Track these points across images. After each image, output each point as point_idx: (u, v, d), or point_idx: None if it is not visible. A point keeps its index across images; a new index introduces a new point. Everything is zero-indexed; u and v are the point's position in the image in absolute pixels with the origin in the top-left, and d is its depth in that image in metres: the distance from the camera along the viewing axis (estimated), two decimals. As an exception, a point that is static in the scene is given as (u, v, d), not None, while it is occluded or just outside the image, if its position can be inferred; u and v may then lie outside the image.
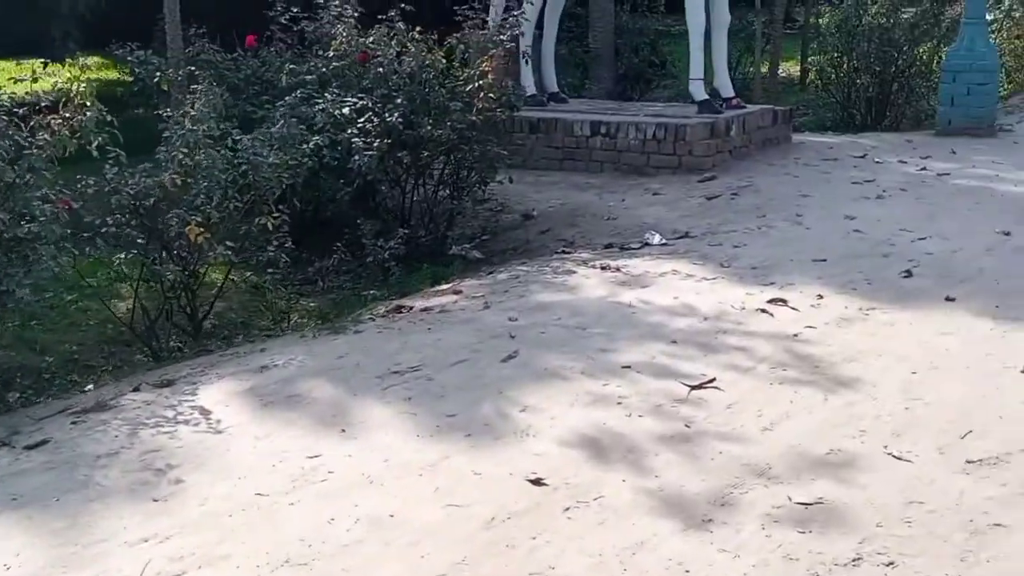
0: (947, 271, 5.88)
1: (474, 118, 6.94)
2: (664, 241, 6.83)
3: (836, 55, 12.37)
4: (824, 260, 6.14)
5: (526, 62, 9.85)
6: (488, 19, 10.10)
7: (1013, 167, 8.81)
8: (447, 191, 7.47)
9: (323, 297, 6.88)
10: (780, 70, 17.80)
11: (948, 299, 5.37)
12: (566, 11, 17.06)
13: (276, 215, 5.66)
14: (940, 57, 11.76)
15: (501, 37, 8.55)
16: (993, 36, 16.51)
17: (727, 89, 9.51)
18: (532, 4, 9.81)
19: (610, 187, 8.64)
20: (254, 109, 7.39)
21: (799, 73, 16.14)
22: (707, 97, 9.28)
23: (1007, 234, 6.63)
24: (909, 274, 5.81)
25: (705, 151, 8.75)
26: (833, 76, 12.60)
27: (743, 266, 6.09)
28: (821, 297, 5.42)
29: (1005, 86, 16.29)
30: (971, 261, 6.06)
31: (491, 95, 7.10)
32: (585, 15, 15.08)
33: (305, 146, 6.10)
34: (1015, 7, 16.78)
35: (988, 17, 15.14)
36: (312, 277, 7.15)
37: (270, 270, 6.57)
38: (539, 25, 10.15)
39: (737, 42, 13.11)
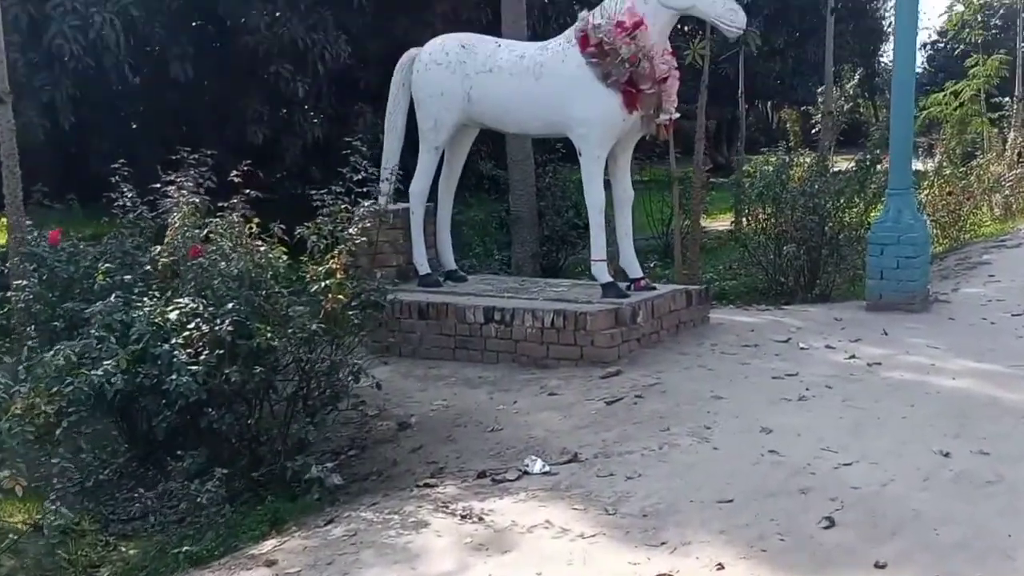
0: (875, 516, 4.78)
1: (315, 327, 5.83)
2: (547, 469, 5.70)
3: (761, 223, 11.54)
4: (731, 501, 5.03)
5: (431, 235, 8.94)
6: (380, 195, 9.28)
7: (950, 353, 7.84)
8: (301, 407, 6.30)
9: (149, 540, 5.68)
10: (712, 223, 17.15)
11: (878, 565, 4.27)
12: (484, 175, 16.38)
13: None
14: (869, 221, 10.96)
15: (383, 210, 7.66)
16: (925, 191, 15.98)
17: (634, 270, 8.56)
18: (427, 164, 8.87)
19: (504, 383, 7.57)
20: (83, 308, 6.32)
21: (733, 225, 15.26)
22: (611, 279, 8.30)
23: (946, 455, 5.57)
24: (831, 523, 4.71)
25: (609, 341, 7.71)
26: (760, 241, 11.74)
27: (633, 512, 4.96)
28: (721, 568, 4.28)
29: (940, 242, 15.65)
30: (904, 499, 4.98)
31: (341, 296, 6.01)
32: (505, 177, 14.30)
33: (98, 369, 4.98)
34: (944, 163, 16.25)
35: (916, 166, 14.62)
36: (144, 510, 5.96)
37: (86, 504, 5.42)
38: (432, 198, 9.18)
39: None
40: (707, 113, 32.79)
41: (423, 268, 9.03)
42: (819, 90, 28.70)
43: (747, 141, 31.79)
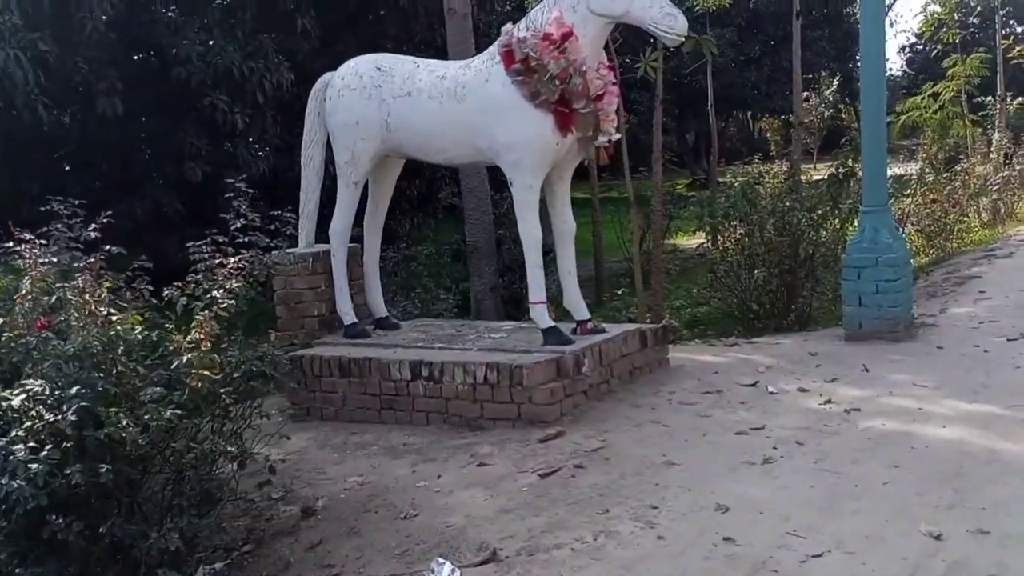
0: (851, 636, 3.75)
1: (169, 413, 4.78)
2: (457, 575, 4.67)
3: (729, 243, 10.54)
4: (672, 618, 4.00)
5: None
6: (300, 236, 8.31)
7: (939, 392, 6.84)
8: (173, 507, 5.25)
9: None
10: (688, 240, 16.11)
11: None
12: (440, 203, 15.37)
13: None
14: (848, 239, 9.96)
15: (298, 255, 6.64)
16: (908, 199, 14.99)
17: (579, 312, 7.54)
18: (346, 200, 7.91)
19: (431, 451, 6.56)
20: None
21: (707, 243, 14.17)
22: (553, 324, 7.28)
23: (937, 537, 4.55)
24: (793, 651, 3.67)
25: (549, 398, 6.69)
26: (731, 264, 10.74)
27: (548, 640, 3.92)
28: None
29: (925, 253, 14.65)
30: (888, 609, 3.95)
31: (207, 372, 4.98)
32: (461, 206, 13.30)
33: None
34: (927, 170, 15.27)
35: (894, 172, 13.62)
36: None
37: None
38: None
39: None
40: (684, 126, 31.86)
41: (348, 317, 8.03)
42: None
43: (729, 152, 30.92)
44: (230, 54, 13.71)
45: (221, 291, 5.24)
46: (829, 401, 6.77)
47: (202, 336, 5.05)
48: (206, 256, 5.78)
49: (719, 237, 11.05)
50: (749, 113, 40.20)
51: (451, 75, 7.42)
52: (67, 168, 14.83)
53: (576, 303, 7.57)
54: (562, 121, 6.99)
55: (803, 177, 15.44)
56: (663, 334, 7.99)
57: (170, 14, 14.46)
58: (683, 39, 6.88)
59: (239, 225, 6.08)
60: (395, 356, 7.34)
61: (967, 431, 5.99)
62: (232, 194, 6.33)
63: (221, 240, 6.10)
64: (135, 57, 14.44)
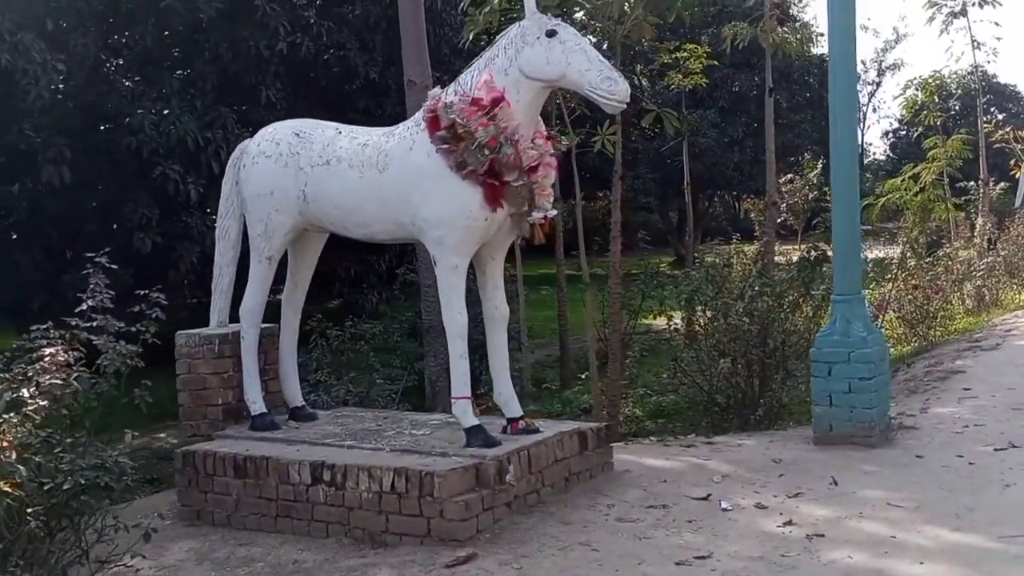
0: None
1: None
2: None
3: (694, 329, 9.48)
4: None
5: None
6: (212, 314, 7.27)
7: (918, 515, 5.73)
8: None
9: None
10: (663, 321, 14.98)
11: None
12: (398, 278, 14.27)
13: None
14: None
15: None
16: (889, 284, 13.93)
17: (511, 408, 6.46)
18: (259, 277, 6.93)
19: (320, 574, 5.41)
20: None
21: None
22: (477, 423, 6.19)
23: None
24: None
25: (463, 512, 5.58)
26: (697, 353, 9.66)
27: None
28: None
29: (907, 342, 13.59)
30: None
31: (8, 487, 3.88)
32: (417, 282, 12.27)
33: None
34: (908, 254, 14.27)
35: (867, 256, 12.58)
36: None
37: None
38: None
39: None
40: (668, 204, 30.95)
41: (256, 407, 6.94)
42: (781, 180, 27.10)
43: (715, 231, 29.94)
44: (185, 124, 12.80)
45: (33, 388, 4.14)
46: (789, 523, 5.66)
47: (6, 444, 3.95)
48: (44, 344, 4.70)
49: (685, 321, 9.98)
50: (734, 193, 39.45)
51: (373, 143, 6.43)
52: (15, 237, 13.84)
53: (507, 398, 6.49)
54: (492, 194, 5.99)
55: (782, 258, 14.49)
56: (606, 434, 6.88)
57: (128, 84, 13.58)
58: (624, 105, 5.88)
59: (88, 305, 5.02)
60: (297, 455, 6.24)
61: (948, 569, 4.87)
62: (90, 269, 5.30)
63: (73, 324, 5.05)
64: (87, 126, 13.48)
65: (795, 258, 13.75)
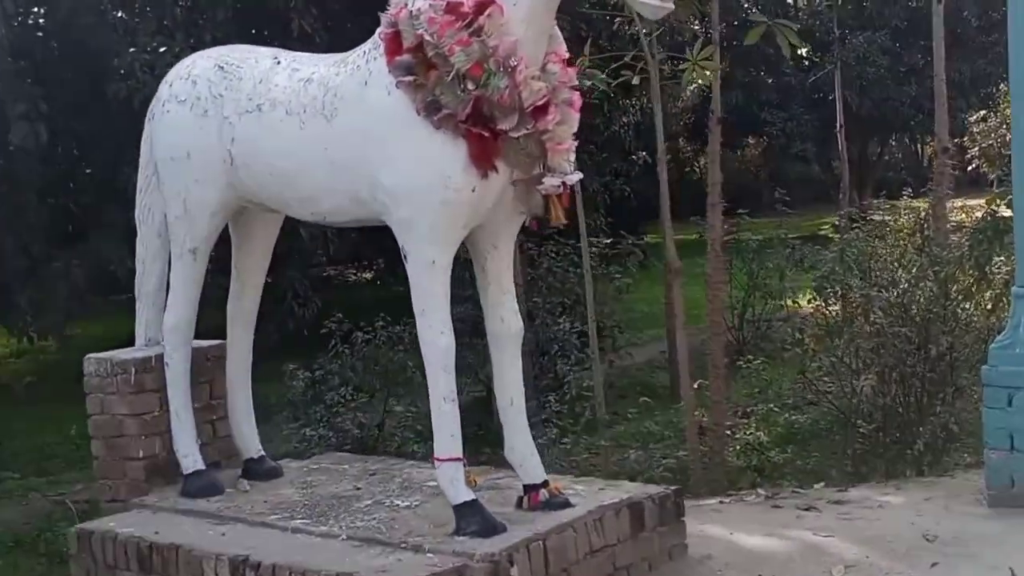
0: None
1: None
2: None
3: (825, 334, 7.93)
4: None
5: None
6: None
7: None
8: None
9: None
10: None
11: None
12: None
13: None
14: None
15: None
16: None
17: (528, 467, 5.13)
18: (182, 279, 5.73)
19: None
20: None
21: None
22: (471, 498, 4.85)
23: None
24: None
25: (433, 640, 4.24)
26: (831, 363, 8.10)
27: None
28: None
29: None
30: None
31: None
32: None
33: None
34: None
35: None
36: None
37: None
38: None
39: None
40: (829, 152, 28.69)
41: (189, 462, 5.75)
42: (972, 118, 24.73)
43: (893, 184, 27.63)
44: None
45: None
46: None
47: None
48: None
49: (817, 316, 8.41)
50: (916, 136, 36.85)
51: (320, 77, 5.11)
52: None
53: (523, 454, 5.13)
54: (480, 151, 4.65)
55: (960, 220, 12.71)
56: (676, 502, 5.43)
57: (121, 15, 12.53)
58: (668, 11, 4.43)
59: None
60: (219, 544, 5.03)
61: None
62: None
63: None
64: (69, 74, 12.53)
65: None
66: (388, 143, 4.78)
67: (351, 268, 21.45)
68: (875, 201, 13.04)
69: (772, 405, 9.72)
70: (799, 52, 7.69)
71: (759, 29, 7.01)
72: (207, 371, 6.02)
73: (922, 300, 7.37)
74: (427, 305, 4.85)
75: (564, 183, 4.77)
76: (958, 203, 24.22)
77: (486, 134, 4.62)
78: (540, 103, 4.62)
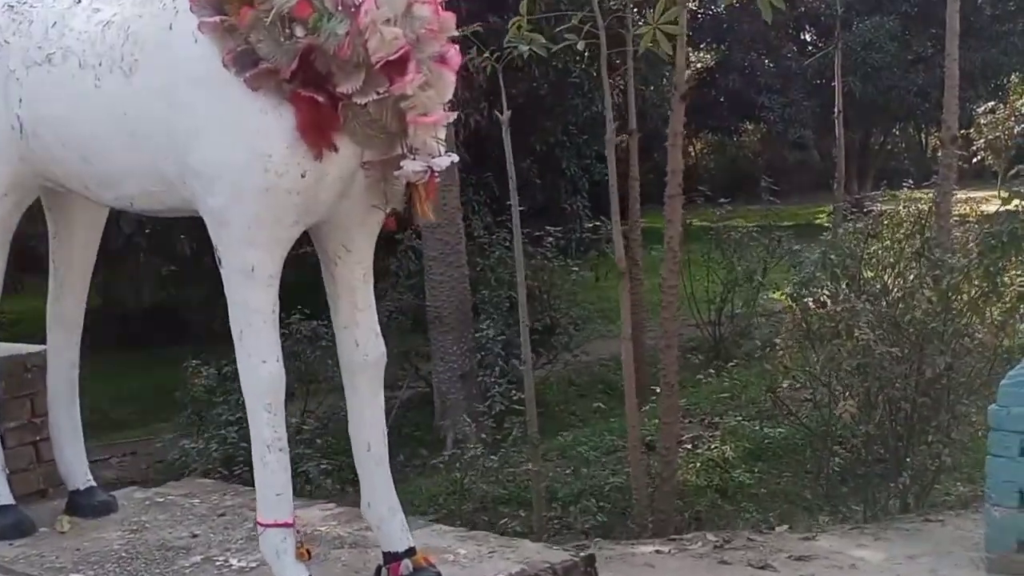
0: None
1: None
2: None
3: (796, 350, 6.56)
4: None
5: None
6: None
7: None
8: None
9: None
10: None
11: None
12: (400, 244, 11.00)
13: None
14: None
15: None
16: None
17: (389, 532, 3.76)
18: None
19: None
20: None
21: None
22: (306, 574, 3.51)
23: None
24: None
25: None
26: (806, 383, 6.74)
27: None
28: None
29: None
30: None
31: None
32: (422, 251, 9.51)
33: None
34: None
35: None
36: None
37: None
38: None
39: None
40: (829, 139, 27.23)
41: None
42: (980, 108, 23.21)
43: (894, 173, 26.09)
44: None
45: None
46: None
47: None
48: None
49: (792, 324, 7.03)
50: (921, 125, 35.19)
51: (121, 18, 3.75)
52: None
53: (380, 514, 3.79)
54: (310, 122, 3.31)
55: (964, 214, 11.31)
56: (587, 568, 4.08)
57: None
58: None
59: None
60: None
61: None
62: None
63: None
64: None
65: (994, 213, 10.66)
66: (195, 108, 3.43)
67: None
68: (874, 193, 11.64)
69: (742, 416, 8.36)
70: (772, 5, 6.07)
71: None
72: (28, 383, 4.71)
73: (918, 313, 6.00)
74: (246, 325, 3.52)
75: (430, 168, 3.42)
76: (961, 195, 22.71)
77: (320, 99, 3.26)
78: (394, 58, 3.26)
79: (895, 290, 6.19)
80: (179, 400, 8.64)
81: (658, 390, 8.17)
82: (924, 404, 6.06)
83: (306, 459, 7.32)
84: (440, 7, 3.50)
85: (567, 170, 14.01)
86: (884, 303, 6.25)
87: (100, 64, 3.67)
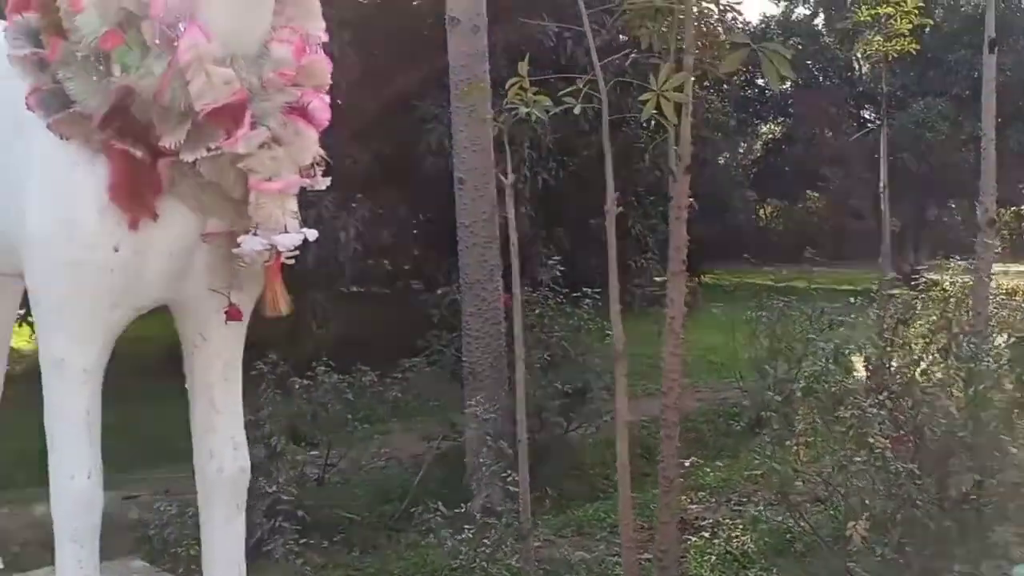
0: None
1: None
2: None
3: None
4: None
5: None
6: None
7: None
8: None
9: None
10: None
11: None
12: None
13: None
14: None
15: None
16: None
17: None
18: None
19: None
20: None
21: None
22: None
23: None
24: None
25: None
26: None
27: None
28: None
29: None
30: None
31: None
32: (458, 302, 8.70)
33: None
34: None
35: None
36: None
37: None
38: None
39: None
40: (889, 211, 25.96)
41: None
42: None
43: (950, 245, 24.79)
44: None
45: None
46: None
47: None
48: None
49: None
50: (977, 200, 33.77)
51: None
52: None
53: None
54: (123, 181, 2.47)
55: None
56: None
57: None
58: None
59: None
60: None
61: None
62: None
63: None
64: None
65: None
66: (17, 158, 2.64)
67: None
68: (925, 264, 10.77)
69: (766, 503, 7.26)
70: (781, 75, 5.23)
71: (739, 54, 4.73)
72: None
73: (943, 420, 4.97)
74: (55, 429, 2.69)
75: (274, 246, 2.54)
76: (1013, 268, 21.38)
77: (138, 153, 2.43)
78: (219, 106, 2.40)
79: (916, 392, 5.16)
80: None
81: (687, 463, 7.29)
82: (949, 530, 5.00)
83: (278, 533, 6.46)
84: (312, 49, 2.65)
85: (632, 228, 13.34)
86: (908, 402, 5.23)
87: None
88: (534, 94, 5.18)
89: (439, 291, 9.29)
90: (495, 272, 8.40)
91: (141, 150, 2.49)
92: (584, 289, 9.05)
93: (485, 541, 5.96)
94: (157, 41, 2.44)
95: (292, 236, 2.63)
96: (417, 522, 6.58)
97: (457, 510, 6.47)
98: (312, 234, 2.68)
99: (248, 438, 6.93)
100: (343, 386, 8.00)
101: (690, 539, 6.96)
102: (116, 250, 2.57)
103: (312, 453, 8.14)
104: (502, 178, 6.55)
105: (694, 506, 8.03)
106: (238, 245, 2.60)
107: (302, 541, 6.47)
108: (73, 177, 2.55)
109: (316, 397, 7.91)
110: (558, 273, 9.16)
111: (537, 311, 8.89)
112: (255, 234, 2.58)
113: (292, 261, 2.66)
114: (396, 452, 9.32)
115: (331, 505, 8.00)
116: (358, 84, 10.74)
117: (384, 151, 11.89)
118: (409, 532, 7.20)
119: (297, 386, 7.83)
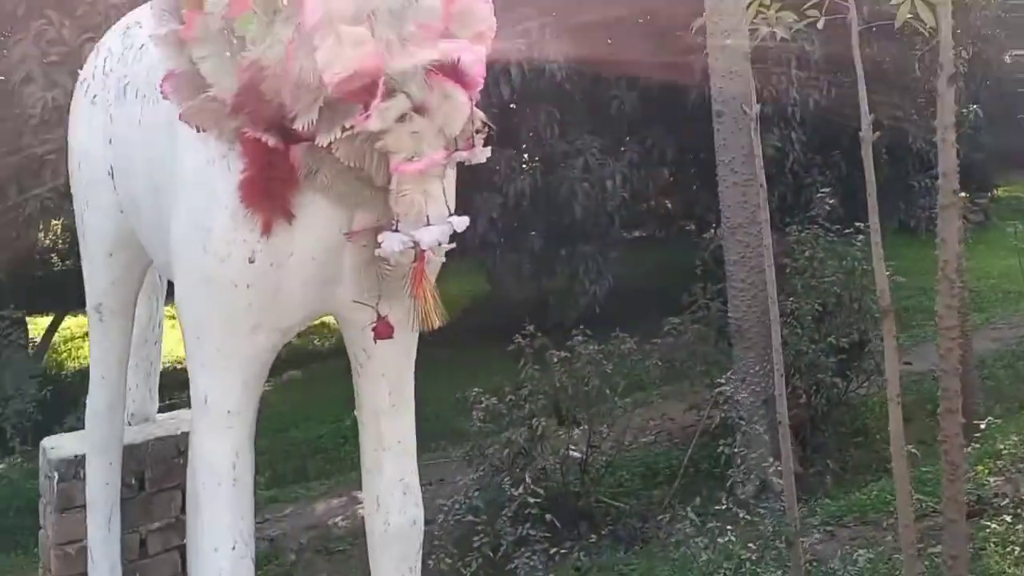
0: None
1: None
2: None
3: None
4: None
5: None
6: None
7: None
8: None
9: None
10: None
11: None
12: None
13: None
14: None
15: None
16: None
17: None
18: (103, 343, 3.39)
19: None
20: None
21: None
22: None
23: None
24: None
25: None
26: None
27: None
28: None
29: None
30: None
31: None
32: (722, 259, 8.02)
33: None
34: None
35: None
36: None
37: None
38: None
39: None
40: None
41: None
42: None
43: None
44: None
45: None
46: None
47: None
48: None
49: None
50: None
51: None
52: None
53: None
54: (254, 175, 2.15)
55: None
56: None
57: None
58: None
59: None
60: None
61: None
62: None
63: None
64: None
65: None
66: (165, 155, 2.41)
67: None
68: None
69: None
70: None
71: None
72: (178, 471, 3.73)
73: None
74: (199, 485, 2.37)
75: (416, 244, 2.11)
76: None
77: (271, 141, 2.08)
78: (351, 74, 2.00)
79: None
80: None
81: (982, 425, 6.19)
82: None
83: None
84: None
85: (914, 144, 12.14)
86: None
87: (145, 95, 2.66)
88: (777, 10, 4.51)
89: (705, 236, 8.42)
90: (757, 213, 7.63)
91: (275, 137, 2.06)
92: (856, 224, 7.88)
93: (750, 546, 5.24)
94: (286, 2, 2.02)
95: (436, 229, 2.10)
96: (682, 514, 5.90)
97: (725, 495, 5.75)
98: (462, 223, 2.17)
99: (511, 419, 6.65)
100: (599, 358, 7.21)
101: (988, 526, 5.57)
102: (251, 261, 2.16)
103: (577, 431, 7.34)
104: (745, 109, 5.80)
105: (992, 479, 6.43)
106: (376, 245, 2.14)
107: (552, 550, 5.85)
108: (207, 177, 2.18)
109: (575, 370, 7.19)
110: (827, 207, 8.17)
111: (807, 252, 7.95)
112: (395, 229, 2.10)
113: (443, 259, 2.21)
114: (663, 424, 8.54)
115: (596, 493, 7.30)
116: (619, 21, 10.19)
117: (650, 89, 11.16)
118: (679, 520, 6.29)
119: (555, 360, 7.12)
